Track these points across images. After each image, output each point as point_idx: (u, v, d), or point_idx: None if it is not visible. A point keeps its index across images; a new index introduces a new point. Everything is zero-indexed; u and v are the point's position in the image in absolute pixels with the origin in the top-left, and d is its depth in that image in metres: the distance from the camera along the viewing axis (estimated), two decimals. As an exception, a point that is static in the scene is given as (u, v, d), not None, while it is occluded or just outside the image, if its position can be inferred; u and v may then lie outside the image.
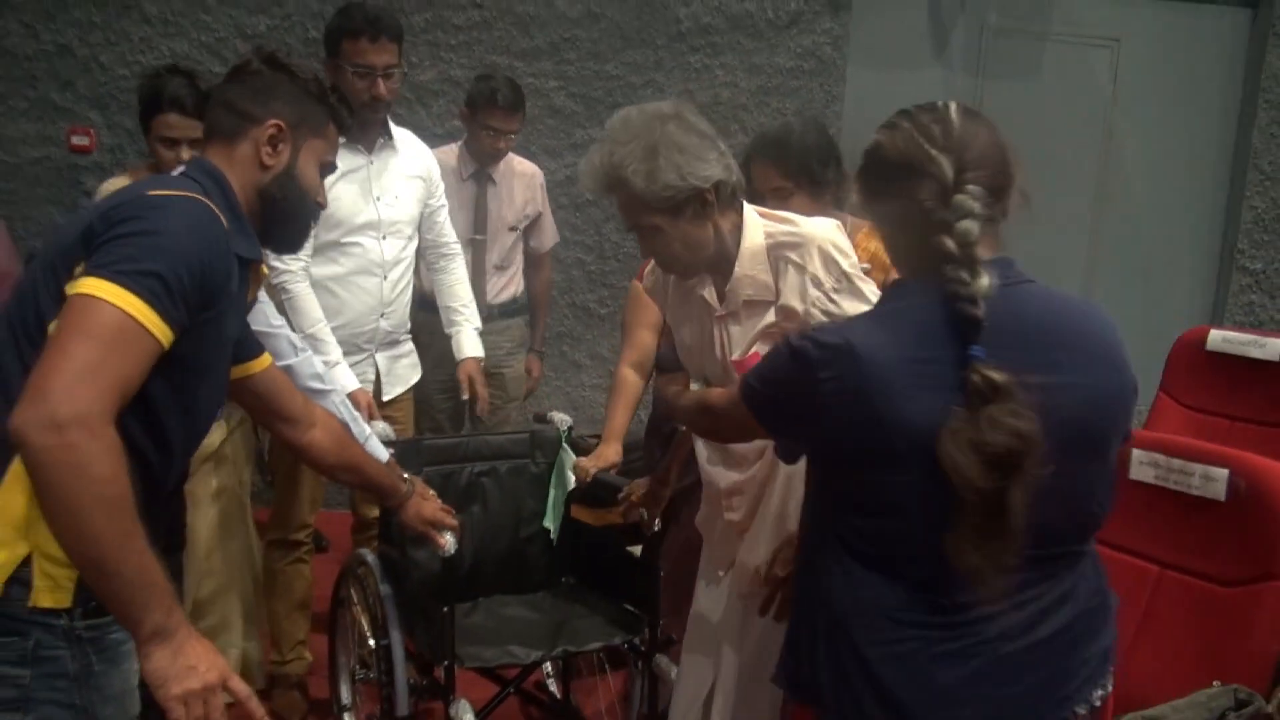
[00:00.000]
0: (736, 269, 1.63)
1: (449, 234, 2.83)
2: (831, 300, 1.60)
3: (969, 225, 1.17)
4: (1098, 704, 1.26)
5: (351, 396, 2.27)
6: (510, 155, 3.23)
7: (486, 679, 2.33)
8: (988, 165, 1.21)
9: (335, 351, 2.42)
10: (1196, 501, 1.87)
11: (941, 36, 4.55)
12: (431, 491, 2.05)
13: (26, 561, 1.19)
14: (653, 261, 1.75)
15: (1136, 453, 1.96)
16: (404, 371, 2.76)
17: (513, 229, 3.22)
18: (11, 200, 4.06)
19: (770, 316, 1.63)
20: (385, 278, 2.59)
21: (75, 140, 4.05)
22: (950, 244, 1.17)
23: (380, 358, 2.66)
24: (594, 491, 2.34)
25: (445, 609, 2.03)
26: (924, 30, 4.54)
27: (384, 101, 2.50)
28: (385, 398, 2.68)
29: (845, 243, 1.64)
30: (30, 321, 1.23)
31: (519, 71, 3.97)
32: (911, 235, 1.22)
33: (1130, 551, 1.98)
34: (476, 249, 3.14)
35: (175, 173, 1.44)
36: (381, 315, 2.60)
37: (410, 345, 2.79)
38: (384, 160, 2.59)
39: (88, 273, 1.19)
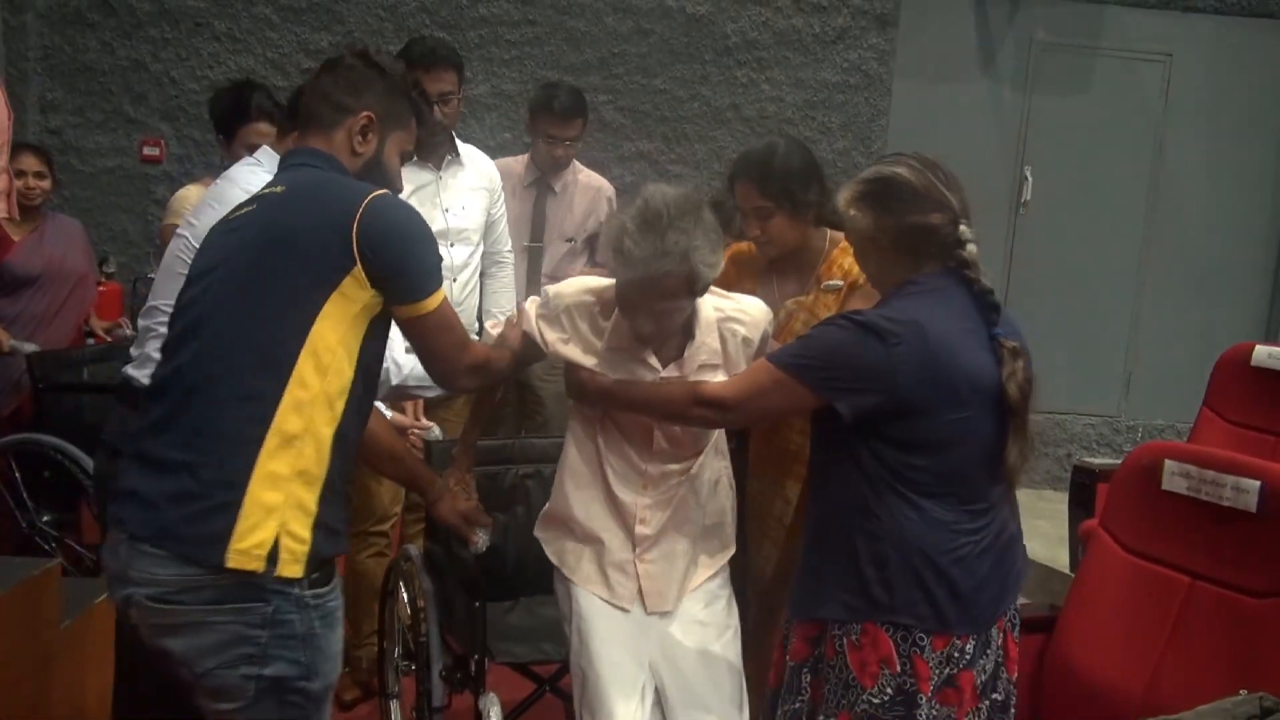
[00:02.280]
0: (697, 336, 1.84)
1: (504, 243, 2.98)
2: None
3: (975, 247, 1.64)
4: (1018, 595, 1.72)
5: None
6: (579, 167, 3.28)
7: (524, 677, 2.39)
8: (966, 206, 1.66)
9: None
10: (1228, 513, 1.88)
11: (989, 51, 4.56)
12: (470, 490, 2.13)
13: (276, 541, 1.39)
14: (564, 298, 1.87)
15: (1169, 464, 1.97)
16: None
17: (569, 240, 3.26)
18: (87, 208, 4.26)
19: (720, 375, 1.85)
20: (455, 280, 2.75)
21: (147, 151, 4.25)
22: (970, 257, 1.63)
23: None
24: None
25: (477, 604, 2.10)
26: (971, 45, 4.55)
27: (442, 126, 2.66)
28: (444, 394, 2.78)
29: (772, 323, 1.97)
30: (261, 331, 1.44)
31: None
32: (911, 247, 1.63)
33: (1161, 562, 1.99)
34: (532, 256, 3.22)
35: (287, 161, 1.61)
36: None
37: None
38: (451, 174, 2.78)
39: (406, 300, 1.52)
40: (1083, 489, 2.91)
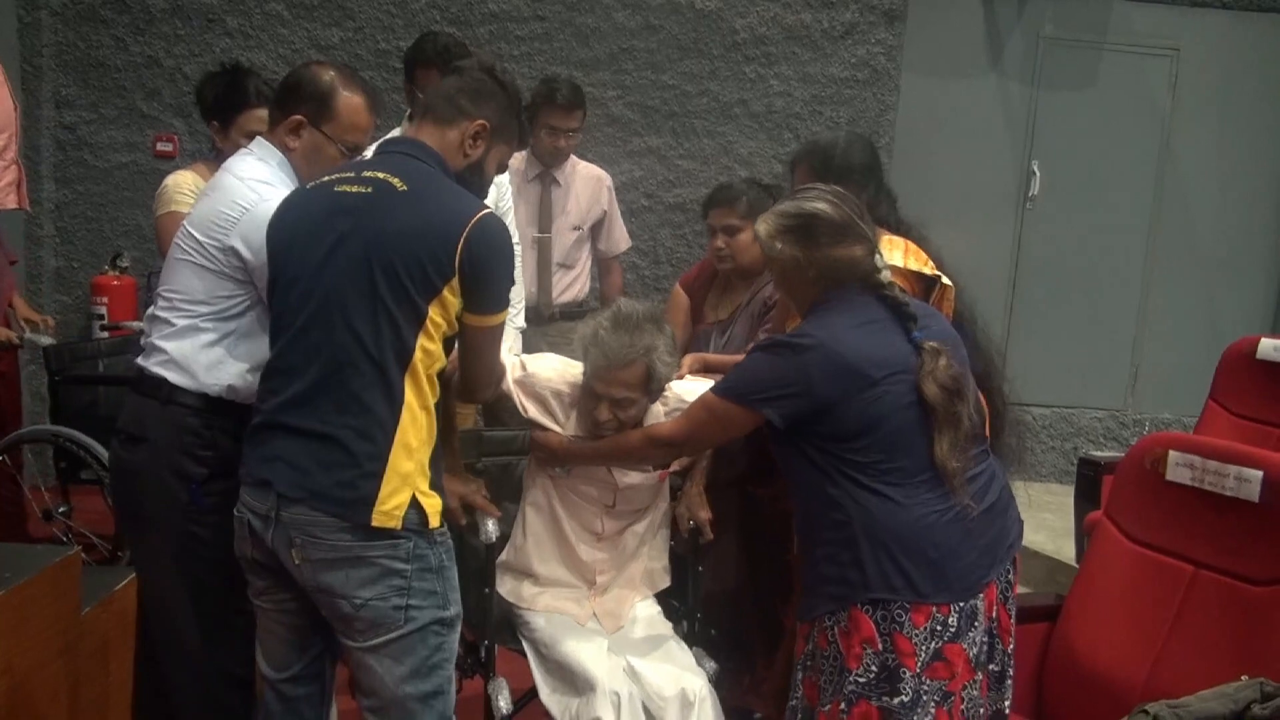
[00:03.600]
0: (645, 422, 2.11)
1: (512, 237, 2.98)
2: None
3: (888, 273, 1.80)
4: (1011, 567, 1.81)
5: None
6: (576, 160, 3.35)
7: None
8: (873, 237, 1.82)
9: None
10: (1231, 502, 1.90)
11: (996, 46, 4.57)
12: (479, 480, 2.20)
13: (413, 502, 1.62)
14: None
15: (1173, 454, 2.00)
16: None
17: (576, 228, 3.34)
18: (101, 202, 4.30)
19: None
20: None
21: (160, 146, 4.29)
22: (884, 281, 1.78)
23: None
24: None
25: (486, 591, 2.14)
26: (979, 40, 4.57)
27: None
28: None
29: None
30: (385, 323, 1.60)
31: (578, 81, 4.09)
32: (835, 278, 1.77)
33: (1165, 551, 2.02)
34: (541, 247, 3.27)
35: (394, 147, 1.74)
36: None
37: None
38: None
39: (482, 310, 1.67)
40: (1088, 481, 2.94)
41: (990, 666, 1.75)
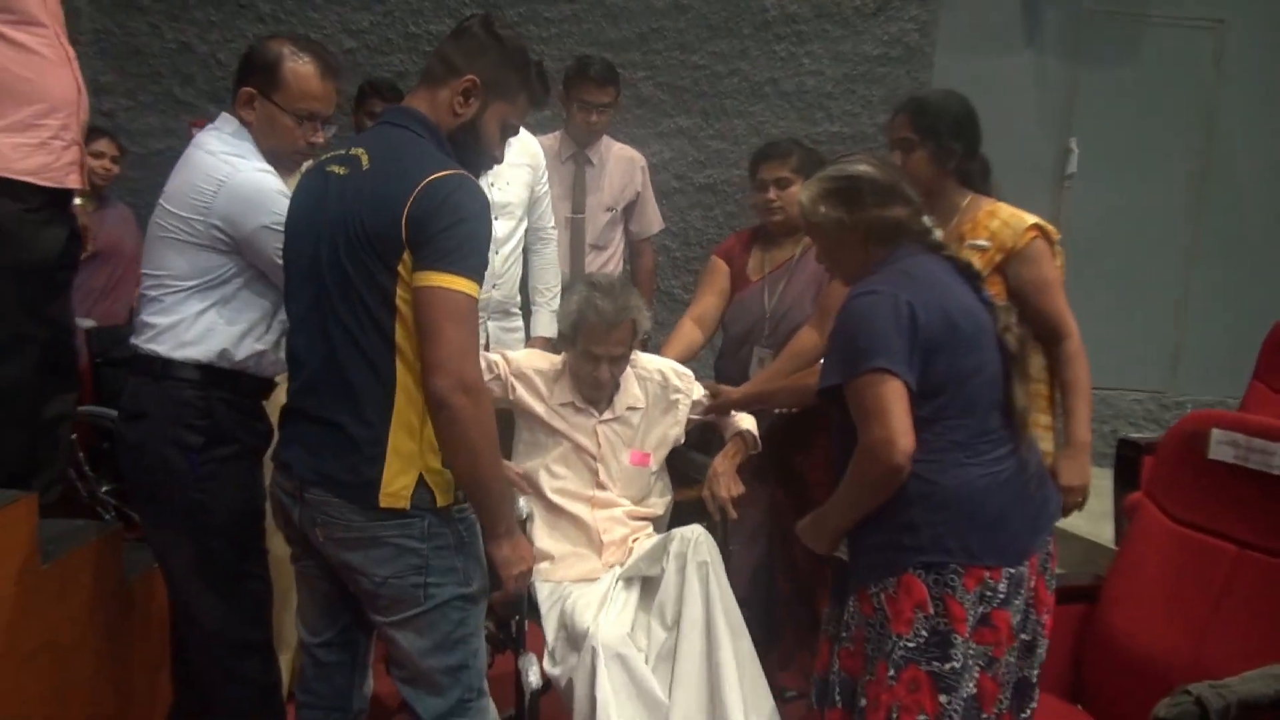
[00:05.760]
0: (623, 387, 2.38)
1: (548, 219, 3.03)
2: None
3: (939, 233, 1.78)
4: (1049, 538, 1.79)
5: None
6: (611, 141, 3.35)
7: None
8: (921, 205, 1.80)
9: None
10: (1276, 481, 1.86)
11: (1034, 20, 4.48)
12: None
13: (420, 481, 1.58)
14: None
15: (1216, 432, 1.96)
16: (511, 344, 2.95)
17: (609, 209, 3.34)
18: (139, 189, 4.35)
19: (638, 418, 2.40)
20: (497, 253, 2.80)
21: (195, 132, 4.32)
22: (940, 240, 1.77)
23: (491, 326, 2.88)
24: (676, 468, 2.47)
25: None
26: (1015, 14, 4.48)
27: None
28: None
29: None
30: (360, 308, 1.56)
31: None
32: (883, 239, 1.75)
33: (1208, 531, 1.98)
34: (575, 227, 3.28)
35: (382, 118, 1.69)
36: (493, 286, 2.83)
37: (520, 320, 2.99)
38: None
39: (430, 267, 1.50)
40: (1127, 463, 2.89)
41: (1021, 635, 1.74)
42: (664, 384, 2.42)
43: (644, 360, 2.44)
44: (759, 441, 2.42)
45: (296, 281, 1.66)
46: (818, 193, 1.77)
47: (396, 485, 1.57)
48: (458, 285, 1.50)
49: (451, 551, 1.63)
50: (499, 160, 1.75)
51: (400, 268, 1.53)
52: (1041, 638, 1.78)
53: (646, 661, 2.02)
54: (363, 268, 1.54)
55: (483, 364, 2.28)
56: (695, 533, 2.11)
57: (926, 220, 1.77)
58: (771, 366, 2.52)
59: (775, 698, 2.08)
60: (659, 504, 2.41)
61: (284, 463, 1.68)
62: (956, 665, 1.63)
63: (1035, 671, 1.79)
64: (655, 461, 2.39)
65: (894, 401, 1.60)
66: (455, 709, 1.66)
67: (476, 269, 1.53)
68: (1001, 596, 1.66)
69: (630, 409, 2.38)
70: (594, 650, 1.98)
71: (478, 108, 1.66)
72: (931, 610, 1.64)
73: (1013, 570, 1.67)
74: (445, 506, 1.61)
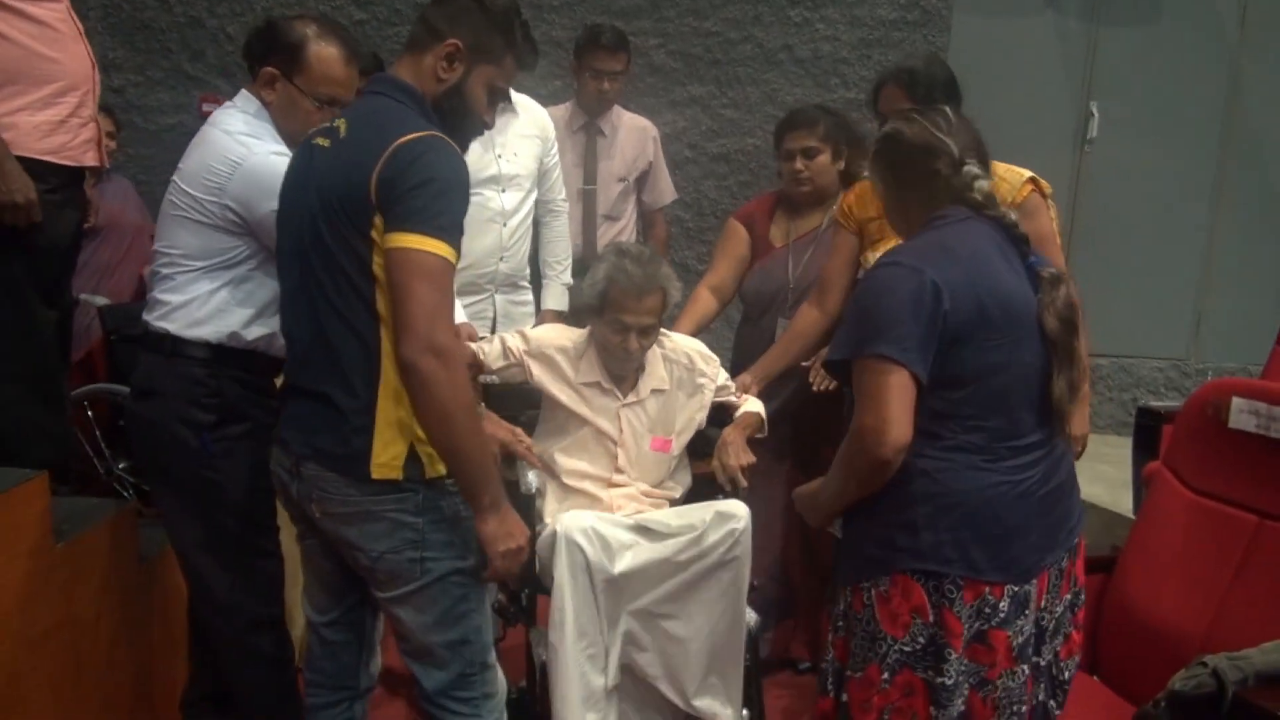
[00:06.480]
0: (648, 368, 2.31)
1: (558, 191, 2.99)
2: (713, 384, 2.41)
3: (985, 183, 1.62)
4: (1067, 555, 1.66)
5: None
6: (622, 110, 3.31)
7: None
8: (975, 146, 1.66)
9: None
10: (1299, 450, 1.83)
11: (1053, -19, 4.38)
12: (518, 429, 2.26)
13: (411, 451, 1.55)
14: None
15: (1236, 400, 1.93)
16: (520, 317, 2.92)
17: (621, 180, 3.31)
18: (150, 165, 4.35)
19: (661, 401, 2.32)
20: (505, 225, 2.77)
21: (206, 107, 4.29)
22: (979, 196, 1.62)
23: (499, 299, 2.85)
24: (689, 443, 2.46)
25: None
26: (1035, -24, 4.38)
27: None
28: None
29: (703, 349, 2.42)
30: (342, 278, 1.54)
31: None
32: (923, 194, 1.64)
33: (1227, 501, 1.95)
34: (587, 199, 3.25)
35: (366, 88, 1.67)
36: (501, 259, 2.79)
37: (529, 294, 2.96)
38: (505, 122, 2.76)
39: (399, 228, 1.47)
40: (1147, 431, 2.85)
41: (1035, 659, 1.63)
42: (690, 367, 2.37)
43: (673, 340, 2.39)
44: (765, 425, 2.40)
45: (286, 257, 1.65)
46: (871, 160, 1.74)
47: (387, 455, 1.54)
48: (427, 246, 1.47)
49: (448, 525, 1.60)
50: (489, 125, 1.72)
51: (374, 233, 1.50)
52: (1061, 665, 1.68)
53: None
54: (340, 236, 1.52)
55: (499, 348, 2.27)
56: (741, 524, 2.08)
57: (969, 169, 1.61)
58: (773, 350, 2.51)
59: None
60: (676, 488, 2.39)
61: (282, 439, 1.68)
62: (948, 681, 1.55)
63: (1054, 703, 1.69)
64: (677, 447, 2.35)
65: (893, 391, 1.50)
66: (457, 682, 1.66)
67: (448, 229, 1.48)
68: (1002, 615, 1.55)
69: (655, 391, 2.33)
70: (555, 534, 2.05)
71: (462, 72, 1.63)
72: (930, 618, 1.55)
73: (1016, 588, 1.56)
74: (438, 478, 1.58)
